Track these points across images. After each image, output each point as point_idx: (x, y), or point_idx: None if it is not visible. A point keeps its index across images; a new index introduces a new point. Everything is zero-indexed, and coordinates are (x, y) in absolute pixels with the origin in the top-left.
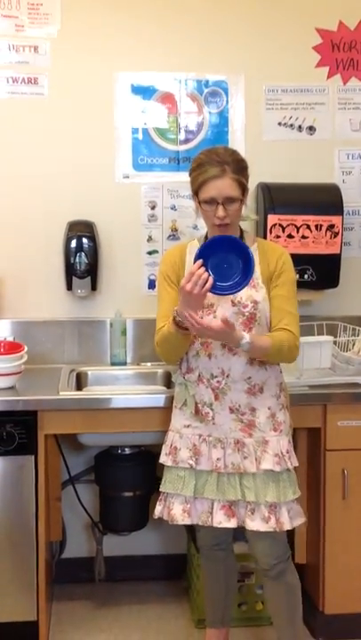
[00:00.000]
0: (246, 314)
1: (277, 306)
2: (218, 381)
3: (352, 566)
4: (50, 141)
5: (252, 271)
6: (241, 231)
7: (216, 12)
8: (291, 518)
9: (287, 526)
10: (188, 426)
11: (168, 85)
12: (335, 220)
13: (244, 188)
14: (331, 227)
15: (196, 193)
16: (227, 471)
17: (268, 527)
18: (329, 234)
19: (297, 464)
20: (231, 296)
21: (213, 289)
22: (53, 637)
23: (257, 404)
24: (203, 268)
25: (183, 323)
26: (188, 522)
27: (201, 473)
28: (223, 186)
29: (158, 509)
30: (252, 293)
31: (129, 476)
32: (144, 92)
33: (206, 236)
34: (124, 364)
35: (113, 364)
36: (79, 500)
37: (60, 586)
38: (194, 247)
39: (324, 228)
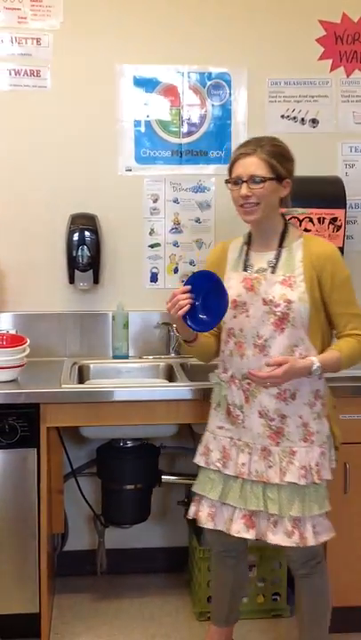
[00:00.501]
0: (278, 313)
1: (339, 312)
2: (248, 383)
3: (354, 560)
4: (52, 134)
5: (220, 318)
6: (285, 225)
7: (219, 4)
8: (317, 534)
9: (311, 542)
10: (221, 427)
11: (171, 78)
12: (338, 213)
13: (277, 174)
14: (334, 220)
15: (230, 174)
16: (250, 478)
17: (291, 542)
18: (332, 227)
19: (329, 477)
20: (263, 294)
21: (191, 319)
22: (55, 630)
23: (287, 412)
24: (186, 294)
25: (186, 337)
26: (211, 526)
27: (228, 478)
28: (249, 163)
29: (192, 510)
30: (286, 292)
31: (131, 468)
32: (147, 84)
33: (249, 233)
34: (126, 357)
35: (115, 357)
36: (81, 492)
37: (62, 578)
38: (237, 244)
39: (326, 222)
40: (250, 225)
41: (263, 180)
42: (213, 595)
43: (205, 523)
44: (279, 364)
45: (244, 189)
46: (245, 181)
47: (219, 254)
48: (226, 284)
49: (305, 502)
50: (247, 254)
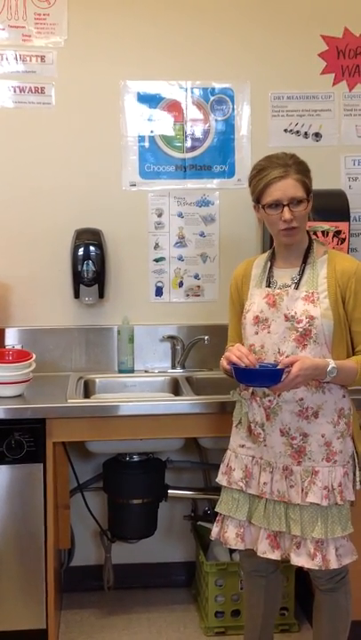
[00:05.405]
0: (300, 330)
1: (358, 330)
2: (270, 400)
3: None
4: (57, 150)
5: (246, 383)
6: (310, 240)
7: (221, 20)
8: (340, 556)
9: (334, 565)
10: (243, 446)
11: (174, 93)
12: (342, 226)
13: (308, 191)
14: (338, 233)
15: (257, 200)
16: (272, 498)
17: (314, 565)
18: (336, 240)
19: (352, 498)
20: (285, 310)
21: (247, 376)
22: None
23: (309, 430)
24: (247, 358)
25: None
26: (241, 547)
27: (253, 497)
28: (287, 186)
29: (215, 531)
30: (309, 308)
31: (137, 483)
32: (150, 100)
33: (273, 250)
34: (132, 371)
35: (120, 371)
36: (88, 507)
37: (69, 594)
38: (261, 261)
39: (330, 235)
40: (277, 242)
41: (304, 200)
42: (246, 615)
43: (235, 544)
44: (291, 364)
45: (287, 213)
46: (286, 205)
47: (243, 272)
48: (249, 302)
49: (327, 524)
50: (271, 270)
